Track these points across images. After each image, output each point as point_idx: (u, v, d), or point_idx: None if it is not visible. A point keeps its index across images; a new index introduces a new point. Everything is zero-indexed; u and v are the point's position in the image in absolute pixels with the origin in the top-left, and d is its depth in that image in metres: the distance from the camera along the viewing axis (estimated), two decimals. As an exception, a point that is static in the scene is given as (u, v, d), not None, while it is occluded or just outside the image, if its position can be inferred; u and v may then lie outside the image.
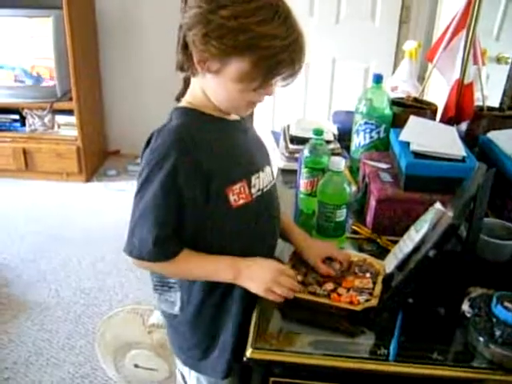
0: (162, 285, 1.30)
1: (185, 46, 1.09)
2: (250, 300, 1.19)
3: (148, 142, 1.14)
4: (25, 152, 3.92)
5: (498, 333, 1.01)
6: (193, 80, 1.17)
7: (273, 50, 1.01)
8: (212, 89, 1.12)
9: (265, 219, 1.24)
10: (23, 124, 4.00)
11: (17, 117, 3.99)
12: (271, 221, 1.27)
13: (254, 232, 1.21)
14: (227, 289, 1.22)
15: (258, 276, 1.14)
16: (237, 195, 1.14)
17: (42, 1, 3.67)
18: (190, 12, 1.05)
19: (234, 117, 1.22)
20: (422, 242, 1.14)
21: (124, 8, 3.99)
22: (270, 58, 1.02)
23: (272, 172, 1.29)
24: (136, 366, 1.85)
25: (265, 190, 1.22)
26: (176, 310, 1.29)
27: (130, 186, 3.93)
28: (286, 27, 1.02)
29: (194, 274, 1.20)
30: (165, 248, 1.13)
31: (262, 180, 1.22)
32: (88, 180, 4.05)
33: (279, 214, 1.32)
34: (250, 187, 1.17)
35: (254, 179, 1.19)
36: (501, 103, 2.07)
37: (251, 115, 1.36)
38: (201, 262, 1.17)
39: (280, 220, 1.32)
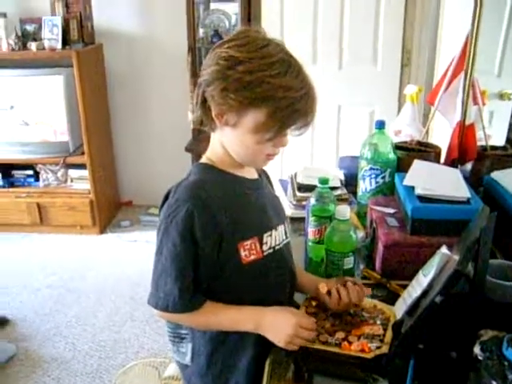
0: (175, 335, 1.33)
1: (203, 102, 1.15)
2: (260, 353, 1.21)
3: (166, 197, 1.19)
4: (39, 206, 3.99)
5: (510, 376, 1.01)
6: (212, 136, 1.22)
7: (288, 100, 1.07)
8: (230, 142, 1.17)
9: (275, 276, 1.26)
10: (37, 179, 4.09)
11: (31, 172, 4.09)
12: (282, 278, 1.29)
13: (264, 288, 1.23)
14: (238, 341, 1.23)
15: (280, 330, 1.15)
16: (248, 251, 1.18)
17: (54, 60, 3.79)
18: (208, 70, 1.11)
19: (251, 176, 1.27)
20: (430, 286, 1.15)
21: (132, 65, 4.11)
22: (286, 108, 1.08)
23: (286, 231, 1.32)
24: (153, 419, 1.85)
25: (277, 247, 1.25)
26: (187, 360, 1.31)
27: (143, 237, 3.98)
28: (299, 80, 1.09)
29: (218, 324, 1.22)
30: (190, 299, 1.17)
31: (275, 238, 1.25)
32: (102, 232, 4.09)
33: (292, 272, 1.34)
34: (261, 244, 1.21)
35: (265, 237, 1.22)
36: (507, 138, 2.10)
37: (266, 174, 1.40)
38: (224, 312, 1.21)
39: (294, 277, 1.34)
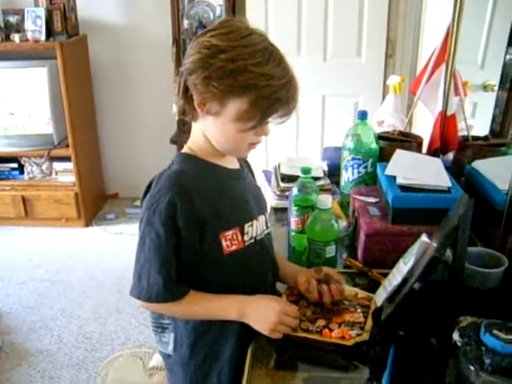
0: (157, 326, 1.34)
1: (185, 91, 1.15)
2: (242, 342, 1.22)
3: (148, 187, 1.19)
4: (24, 199, 3.96)
5: (487, 361, 1.03)
6: (194, 125, 1.22)
7: (270, 89, 1.07)
8: (212, 131, 1.18)
9: (257, 266, 1.27)
10: (22, 172, 4.06)
11: (15, 165, 4.05)
12: (263, 268, 1.30)
13: (245, 278, 1.24)
14: (220, 330, 1.24)
15: (265, 318, 1.17)
16: (229, 241, 1.19)
17: (37, 52, 3.76)
18: (190, 58, 1.11)
19: (233, 165, 1.27)
20: (410, 274, 1.16)
21: (117, 56, 4.08)
22: (268, 96, 1.08)
23: (267, 221, 1.32)
24: (138, 409, 1.85)
25: (258, 238, 1.26)
26: (170, 349, 1.32)
27: (129, 229, 3.96)
28: (281, 68, 1.10)
29: (201, 313, 1.23)
30: (174, 289, 1.17)
31: (256, 228, 1.26)
32: (87, 225, 4.08)
33: (274, 262, 1.35)
34: (242, 234, 1.21)
35: (247, 227, 1.23)
36: (490, 129, 2.12)
37: (248, 164, 1.41)
38: (207, 301, 1.22)
39: (275, 267, 1.35)
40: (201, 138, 1.21)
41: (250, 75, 1.06)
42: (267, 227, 1.31)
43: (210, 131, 1.18)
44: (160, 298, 1.17)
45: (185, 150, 1.24)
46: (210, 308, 1.22)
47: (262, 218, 1.29)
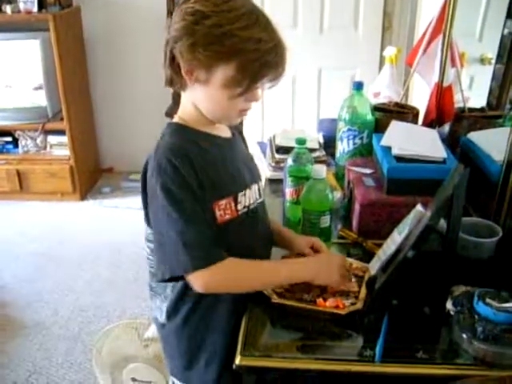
0: (154, 292, 1.33)
1: (172, 60, 1.13)
2: (236, 312, 1.22)
3: (146, 167, 1.16)
4: (19, 173, 3.94)
5: (479, 329, 1.04)
6: (183, 95, 1.20)
7: (258, 52, 1.06)
8: (202, 99, 1.16)
9: (250, 235, 1.26)
10: (16, 146, 4.03)
11: (9, 139, 4.02)
12: (258, 237, 1.29)
13: (240, 248, 1.21)
14: (213, 302, 1.24)
15: (328, 276, 1.21)
16: (223, 211, 1.17)
17: (29, 24, 3.71)
18: (175, 26, 1.09)
19: (225, 134, 1.26)
20: (404, 243, 1.16)
21: (110, 28, 4.03)
22: (256, 60, 1.06)
23: (260, 190, 1.31)
24: (134, 379, 1.86)
25: (251, 207, 1.25)
26: (163, 319, 1.31)
27: (124, 203, 3.96)
28: (268, 32, 1.07)
29: (254, 277, 1.19)
30: (219, 249, 1.13)
31: (249, 197, 1.24)
32: (82, 198, 4.07)
33: (268, 231, 1.35)
34: (236, 203, 1.20)
35: (240, 196, 1.22)
36: (487, 103, 2.11)
37: (241, 132, 1.39)
38: (258, 263, 1.20)
39: (270, 236, 1.36)
40: (190, 108, 1.19)
41: (236, 40, 1.04)
42: (260, 196, 1.30)
43: (199, 100, 1.17)
44: (212, 259, 1.10)
45: (175, 120, 1.22)
46: (262, 269, 1.20)
47: (254, 187, 1.28)
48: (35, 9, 3.63)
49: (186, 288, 1.22)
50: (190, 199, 1.10)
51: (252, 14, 1.07)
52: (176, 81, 1.16)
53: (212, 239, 1.12)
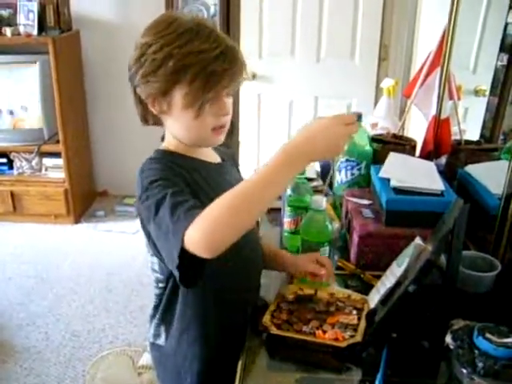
0: (154, 316, 1.32)
1: (139, 99, 1.17)
2: (229, 335, 1.24)
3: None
4: (13, 195, 3.93)
5: (480, 364, 1.03)
6: (165, 139, 1.23)
7: (201, 64, 1.06)
8: (173, 128, 1.18)
9: (239, 261, 1.23)
10: (11, 167, 4.02)
11: (4, 160, 4.01)
12: (247, 263, 1.29)
13: (227, 275, 1.21)
14: (205, 324, 1.25)
15: (333, 145, 1.03)
16: None
17: (29, 47, 3.73)
18: (129, 63, 1.15)
19: (212, 159, 1.27)
20: (404, 276, 1.17)
21: (109, 53, 4.06)
22: (202, 71, 1.07)
23: None
24: (127, 408, 1.85)
25: None
26: (161, 341, 1.32)
27: (118, 227, 3.95)
28: (210, 41, 1.08)
29: (254, 190, 0.98)
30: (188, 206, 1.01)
31: None
32: (76, 222, 4.05)
33: (258, 257, 1.35)
34: None
35: None
36: (481, 134, 2.13)
37: (234, 159, 1.39)
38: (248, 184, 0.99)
39: (260, 262, 1.36)
40: (172, 138, 1.21)
41: (177, 57, 1.06)
42: None
43: (172, 129, 1.19)
44: (191, 216, 0.96)
45: (162, 147, 1.24)
46: (258, 183, 0.98)
47: None
48: (35, 32, 3.66)
49: (174, 308, 1.25)
50: (165, 184, 1.07)
51: (192, 30, 1.08)
52: (148, 117, 1.20)
53: (187, 200, 1.03)
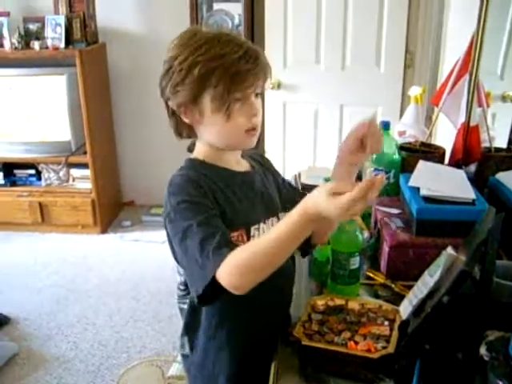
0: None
1: (172, 112, 1.20)
2: (256, 349, 1.24)
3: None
4: (41, 205, 3.99)
5: (516, 376, 1.02)
6: (195, 149, 1.25)
7: (224, 66, 1.10)
8: (207, 135, 1.20)
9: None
10: (39, 178, 4.09)
11: (33, 171, 4.09)
12: (279, 272, 1.27)
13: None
14: (231, 337, 1.25)
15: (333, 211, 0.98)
16: (235, 242, 1.15)
17: (56, 59, 3.80)
18: (160, 84, 1.19)
19: (240, 168, 1.28)
20: (436, 287, 1.15)
21: (135, 65, 4.10)
22: (225, 73, 1.10)
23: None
24: (156, 418, 1.85)
25: None
26: (186, 351, 1.33)
27: (145, 237, 3.98)
28: (232, 45, 1.12)
29: (273, 246, 1.02)
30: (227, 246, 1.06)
31: (263, 231, 1.24)
32: (103, 232, 4.09)
33: (288, 266, 1.32)
34: (248, 237, 1.20)
35: (253, 229, 1.22)
36: (509, 141, 2.10)
37: (262, 160, 1.39)
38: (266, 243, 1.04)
39: (289, 269, 1.34)
40: (203, 148, 1.23)
41: (202, 64, 1.10)
42: None
43: (206, 136, 1.21)
44: (221, 257, 1.02)
45: (192, 156, 1.26)
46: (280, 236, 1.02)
47: (270, 221, 1.27)
48: (62, 45, 3.72)
49: (197, 320, 1.27)
50: (195, 209, 1.11)
51: (214, 38, 1.13)
52: (181, 129, 1.22)
53: (214, 234, 1.07)
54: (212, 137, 1.20)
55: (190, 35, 1.15)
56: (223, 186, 1.20)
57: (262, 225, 1.24)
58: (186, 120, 1.18)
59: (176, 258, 1.21)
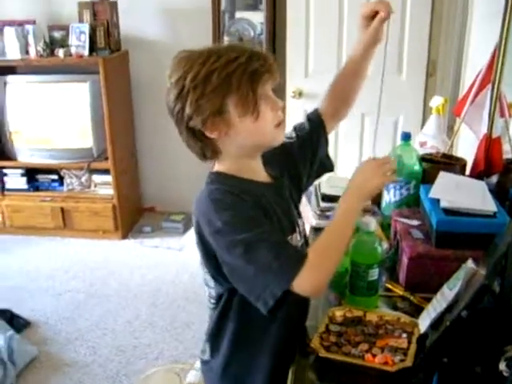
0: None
1: (193, 134, 1.17)
2: (278, 355, 1.23)
3: (197, 222, 1.18)
4: (63, 211, 4.04)
5: (536, 393, 1.00)
6: (217, 163, 1.25)
7: (241, 67, 1.11)
8: (239, 142, 1.18)
9: None
10: (61, 184, 4.14)
11: (55, 177, 4.15)
12: None
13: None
14: (253, 344, 1.25)
15: (368, 183, 1.20)
16: None
17: (80, 67, 3.86)
18: (171, 105, 1.17)
19: (264, 176, 1.28)
20: (456, 300, 1.14)
21: (157, 72, 4.11)
22: (244, 74, 1.11)
23: (299, 239, 1.31)
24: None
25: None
26: (206, 357, 1.34)
27: (165, 243, 4.00)
28: (237, 49, 1.15)
29: (338, 240, 1.16)
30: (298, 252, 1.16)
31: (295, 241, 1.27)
32: (124, 237, 4.12)
33: None
34: None
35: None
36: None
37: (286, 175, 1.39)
38: (329, 231, 1.17)
39: None
40: (226, 161, 1.23)
41: (218, 70, 1.10)
42: (301, 245, 1.31)
43: (234, 147, 1.19)
44: (301, 261, 1.08)
45: (215, 170, 1.25)
46: (336, 228, 1.17)
47: (294, 236, 1.28)
48: (86, 52, 3.77)
49: (223, 328, 1.26)
50: (251, 222, 1.13)
51: (216, 48, 1.17)
52: (206, 150, 1.20)
53: (287, 242, 1.17)
54: (244, 141, 1.18)
55: (187, 55, 1.16)
56: (264, 202, 1.21)
57: (294, 234, 1.28)
58: (213, 136, 1.16)
59: (217, 273, 1.19)
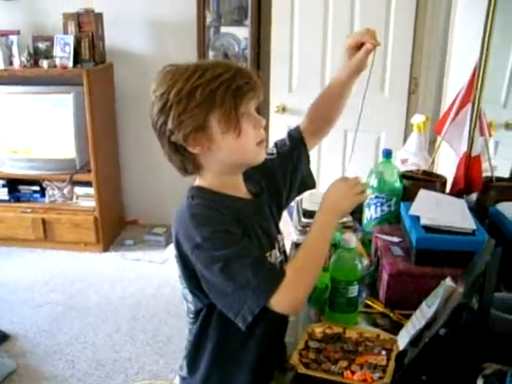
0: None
1: (175, 148, 1.17)
2: (259, 376, 1.23)
3: (177, 236, 1.18)
4: (44, 222, 4.01)
5: (512, 411, 1.01)
6: (198, 178, 1.24)
7: (225, 84, 1.11)
8: (218, 160, 1.19)
9: None
10: (43, 195, 4.12)
11: (37, 188, 4.12)
12: None
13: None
14: (231, 360, 1.25)
15: (342, 202, 1.24)
16: None
17: (64, 78, 3.83)
18: (154, 119, 1.17)
19: (244, 192, 1.28)
20: (434, 318, 1.15)
21: (142, 85, 4.10)
22: (228, 90, 1.11)
23: (277, 256, 1.31)
24: None
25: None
26: (184, 373, 1.33)
27: (147, 256, 3.98)
28: (222, 65, 1.15)
29: (315, 251, 1.18)
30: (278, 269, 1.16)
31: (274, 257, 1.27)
32: (105, 250, 4.09)
33: None
34: None
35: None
36: (512, 170, 2.11)
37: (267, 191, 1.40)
38: (304, 245, 1.19)
39: None
40: (207, 176, 1.22)
41: (202, 86, 1.10)
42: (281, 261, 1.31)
43: (215, 163, 1.19)
44: (278, 280, 1.09)
45: (196, 185, 1.25)
46: (312, 244, 1.19)
47: (273, 253, 1.28)
48: (70, 64, 3.76)
49: (202, 344, 1.26)
50: (230, 238, 1.12)
51: (202, 64, 1.17)
52: (187, 164, 1.20)
53: (265, 259, 1.18)
54: (225, 158, 1.18)
55: (173, 70, 1.15)
56: (243, 219, 1.20)
57: (273, 251, 1.28)
58: (195, 151, 1.16)
59: (196, 288, 1.19)
